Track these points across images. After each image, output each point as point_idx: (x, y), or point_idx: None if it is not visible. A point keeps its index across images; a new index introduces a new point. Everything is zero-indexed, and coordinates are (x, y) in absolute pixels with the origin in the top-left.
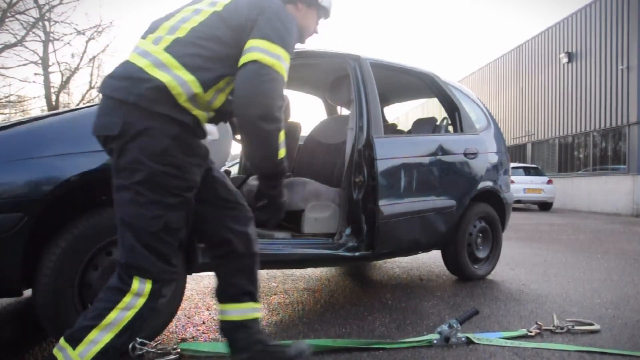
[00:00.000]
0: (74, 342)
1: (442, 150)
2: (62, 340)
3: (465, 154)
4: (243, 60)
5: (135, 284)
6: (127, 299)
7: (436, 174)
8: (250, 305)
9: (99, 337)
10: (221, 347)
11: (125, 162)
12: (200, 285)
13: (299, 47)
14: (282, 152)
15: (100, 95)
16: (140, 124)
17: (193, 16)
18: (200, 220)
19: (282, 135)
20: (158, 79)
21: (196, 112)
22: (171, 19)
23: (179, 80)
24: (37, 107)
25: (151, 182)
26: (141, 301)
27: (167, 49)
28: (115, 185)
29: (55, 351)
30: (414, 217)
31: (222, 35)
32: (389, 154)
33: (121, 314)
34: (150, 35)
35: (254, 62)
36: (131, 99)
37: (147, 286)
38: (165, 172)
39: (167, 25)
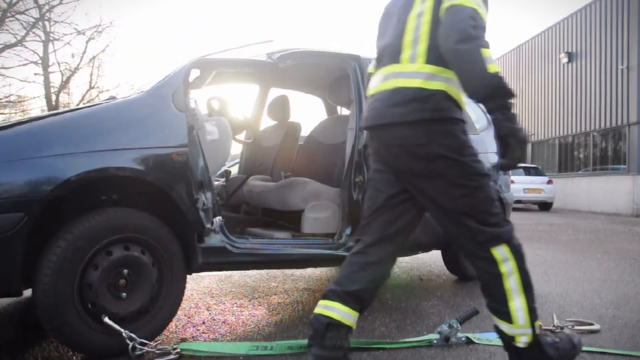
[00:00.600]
0: (503, 316)
1: None
2: (490, 313)
3: None
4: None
5: (496, 253)
6: (503, 268)
7: None
8: (355, 314)
9: (517, 303)
10: (221, 347)
11: (440, 165)
12: (200, 285)
13: (299, 47)
14: (493, 67)
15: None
16: (439, 129)
17: (420, 20)
18: (407, 216)
19: (486, 52)
20: (439, 89)
21: (463, 103)
22: (405, 35)
23: (452, 82)
24: (37, 107)
25: (466, 173)
26: (512, 263)
27: (427, 61)
28: (437, 188)
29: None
30: None
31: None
32: None
33: (511, 281)
34: (402, 56)
35: (445, 9)
36: (426, 115)
37: (505, 248)
38: (471, 160)
39: (408, 40)
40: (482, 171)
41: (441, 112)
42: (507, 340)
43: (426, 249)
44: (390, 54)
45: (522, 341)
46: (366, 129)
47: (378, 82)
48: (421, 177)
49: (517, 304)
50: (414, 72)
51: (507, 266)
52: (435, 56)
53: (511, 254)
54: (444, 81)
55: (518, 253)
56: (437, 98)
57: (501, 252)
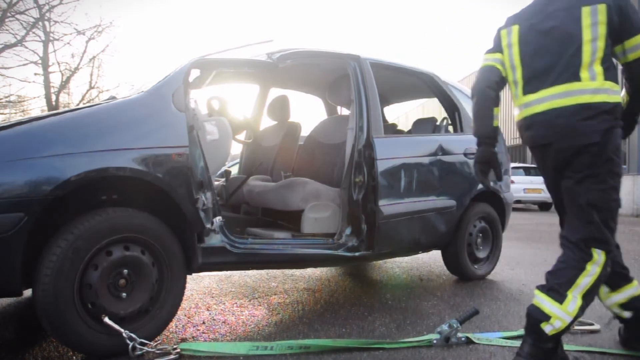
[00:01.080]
0: (555, 295)
1: (442, 150)
2: (539, 292)
3: (466, 154)
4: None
5: (595, 254)
6: (589, 267)
7: (436, 174)
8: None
9: (575, 297)
10: (221, 347)
11: (601, 160)
12: (200, 285)
13: (299, 47)
14: None
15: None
16: (613, 132)
17: (596, 44)
18: None
19: None
20: (618, 101)
21: None
22: (583, 57)
23: (622, 95)
24: (37, 107)
25: (612, 172)
26: (598, 270)
27: (605, 79)
28: (578, 178)
29: (535, 302)
30: (414, 217)
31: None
32: (389, 154)
33: (585, 280)
34: (582, 75)
35: None
36: (611, 123)
37: (602, 257)
38: (618, 162)
39: (586, 62)
40: (621, 174)
41: (619, 120)
42: (537, 320)
43: (426, 249)
44: (564, 73)
45: (554, 325)
46: (545, 145)
47: (552, 99)
48: (577, 171)
49: (576, 295)
50: (597, 88)
51: (593, 269)
52: (609, 75)
53: (603, 264)
54: (619, 94)
55: (605, 270)
56: (618, 108)
57: (599, 256)
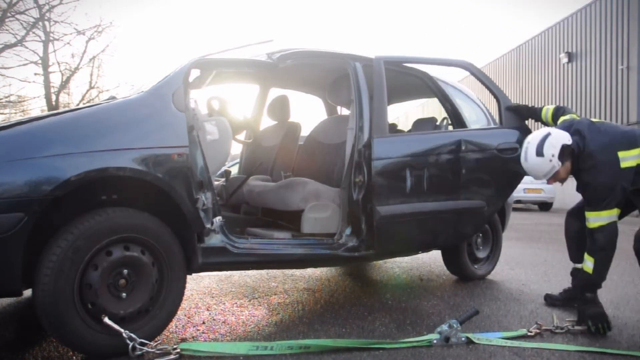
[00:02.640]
0: None
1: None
2: None
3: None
4: None
5: None
6: None
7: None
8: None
9: None
10: (221, 347)
11: None
12: (200, 285)
13: (299, 47)
14: None
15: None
16: None
17: None
18: None
19: None
20: None
21: None
22: None
23: None
24: (37, 107)
25: None
26: None
27: None
28: None
29: None
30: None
31: None
32: (388, 154)
33: None
34: None
35: None
36: None
37: None
38: None
39: None
40: None
41: None
42: None
43: (426, 248)
44: None
45: None
46: None
47: None
48: None
49: None
50: None
51: None
52: None
53: None
54: None
55: None
56: None
57: None
